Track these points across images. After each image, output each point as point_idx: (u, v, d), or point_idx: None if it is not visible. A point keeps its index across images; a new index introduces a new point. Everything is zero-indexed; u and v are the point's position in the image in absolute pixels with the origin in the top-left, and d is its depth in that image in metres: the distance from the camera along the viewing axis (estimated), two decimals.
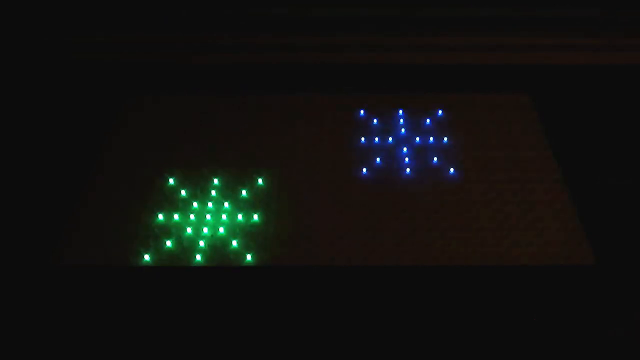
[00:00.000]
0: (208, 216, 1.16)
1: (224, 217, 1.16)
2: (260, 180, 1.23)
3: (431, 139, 1.34)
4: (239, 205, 1.19)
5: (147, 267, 1.08)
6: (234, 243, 1.11)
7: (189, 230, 1.13)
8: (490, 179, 1.24)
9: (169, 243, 1.11)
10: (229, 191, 1.21)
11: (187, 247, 1.11)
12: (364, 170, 1.26)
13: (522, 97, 1.45)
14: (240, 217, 1.16)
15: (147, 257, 1.08)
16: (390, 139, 1.34)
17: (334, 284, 1.06)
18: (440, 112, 1.40)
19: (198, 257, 1.08)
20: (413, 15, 1.66)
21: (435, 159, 1.28)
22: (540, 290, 1.05)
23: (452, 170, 1.26)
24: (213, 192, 1.21)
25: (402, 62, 1.58)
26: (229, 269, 1.08)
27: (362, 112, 1.41)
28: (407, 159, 1.29)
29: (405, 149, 1.31)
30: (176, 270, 1.08)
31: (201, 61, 1.59)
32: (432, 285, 1.06)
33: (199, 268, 1.08)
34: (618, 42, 1.62)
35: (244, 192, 1.21)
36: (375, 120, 1.39)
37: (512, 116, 1.40)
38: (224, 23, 1.66)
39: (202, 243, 1.11)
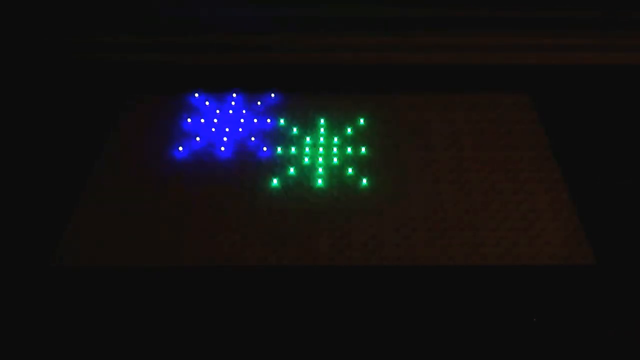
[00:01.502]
0: None
1: None
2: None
3: None
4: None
5: (147, 268, 1.08)
6: None
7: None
8: (490, 179, 1.24)
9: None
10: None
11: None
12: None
13: (522, 97, 1.45)
14: None
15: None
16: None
17: (334, 284, 1.06)
18: None
19: None
20: (413, 15, 1.66)
21: None
22: (540, 290, 1.05)
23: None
24: None
25: (402, 62, 1.58)
26: (229, 270, 1.08)
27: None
28: None
29: None
30: (175, 270, 1.08)
31: (201, 61, 1.59)
32: (433, 285, 1.06)
33: (196, 270, 1.08)
34: (618, 42, 1.61)
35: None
36: None
37: (512, 116, 1.40)
38: (224, 23, 1.66)
39: None
